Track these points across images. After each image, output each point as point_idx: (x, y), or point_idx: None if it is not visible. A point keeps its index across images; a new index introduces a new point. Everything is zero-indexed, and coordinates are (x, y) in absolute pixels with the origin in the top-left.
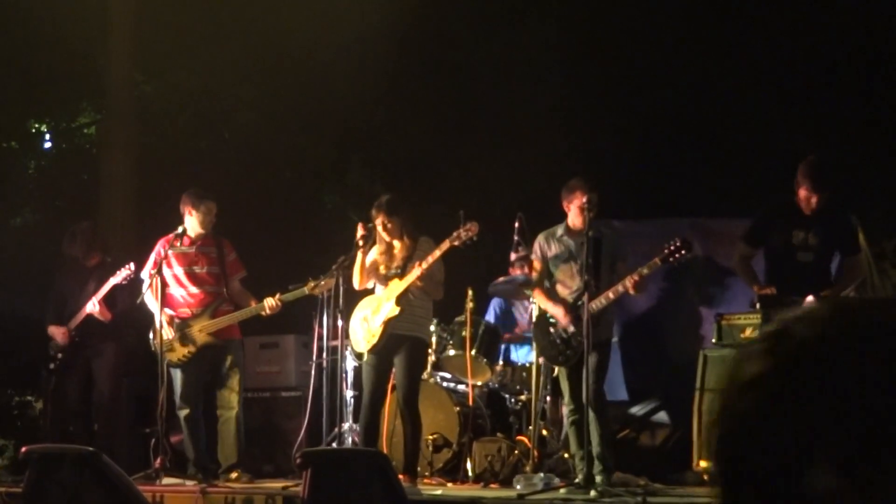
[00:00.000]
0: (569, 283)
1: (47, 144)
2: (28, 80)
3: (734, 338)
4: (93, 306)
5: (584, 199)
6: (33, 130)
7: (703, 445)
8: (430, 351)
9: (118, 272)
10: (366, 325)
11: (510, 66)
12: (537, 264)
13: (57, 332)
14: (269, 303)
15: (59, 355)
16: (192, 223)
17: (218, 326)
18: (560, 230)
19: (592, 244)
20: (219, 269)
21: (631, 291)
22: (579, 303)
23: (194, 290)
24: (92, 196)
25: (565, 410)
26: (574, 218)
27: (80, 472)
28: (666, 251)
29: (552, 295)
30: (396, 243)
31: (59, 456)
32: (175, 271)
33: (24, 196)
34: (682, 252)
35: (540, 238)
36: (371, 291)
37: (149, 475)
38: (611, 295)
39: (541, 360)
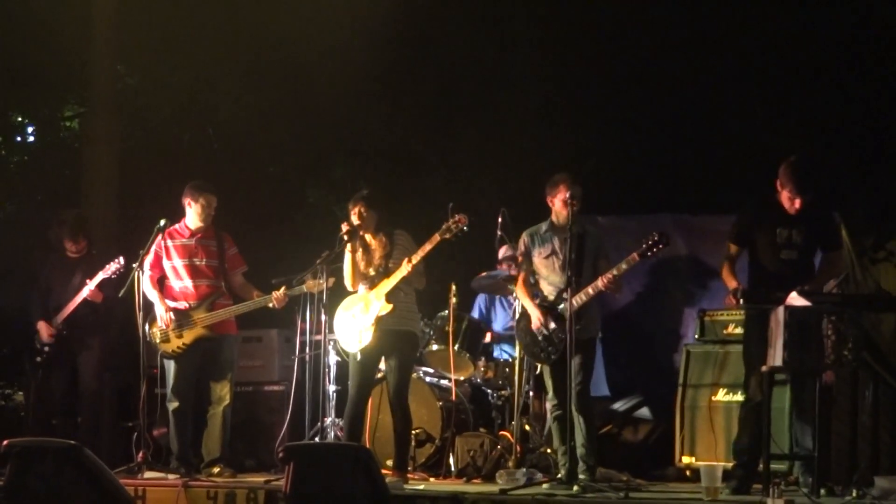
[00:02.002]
0: (552, 279)
1: (30, 139)
2: (10, 71)
3: (717, 333)
4: (87, 292)
5: (568, 194)
6: (17, 122)
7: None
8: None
9: (107, 266)
10: (354, 324)
11: (495, 62)
12: (521, 260)
13: (43, 329)
14: (277, 295)
15: (46, 348)
16: (192, 215)
17: (215, 320)
18: (544, 227)
19: (576, 241)
20: (218, 262)
21: (606, 288)
22: (563, 297)
23: (193, 282)
24: (74, 189)
25: (549, 406)
26: (558, 213)
27: (62, 466)
28: (644, 246)
29: (532, 293)
30: (371, 240)
31: (41, 450)
32: (174, 263)
33: (7, 190)
34: (660, 245)
35: (524, 236)
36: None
37: (131, 469)
38: (590, 291)
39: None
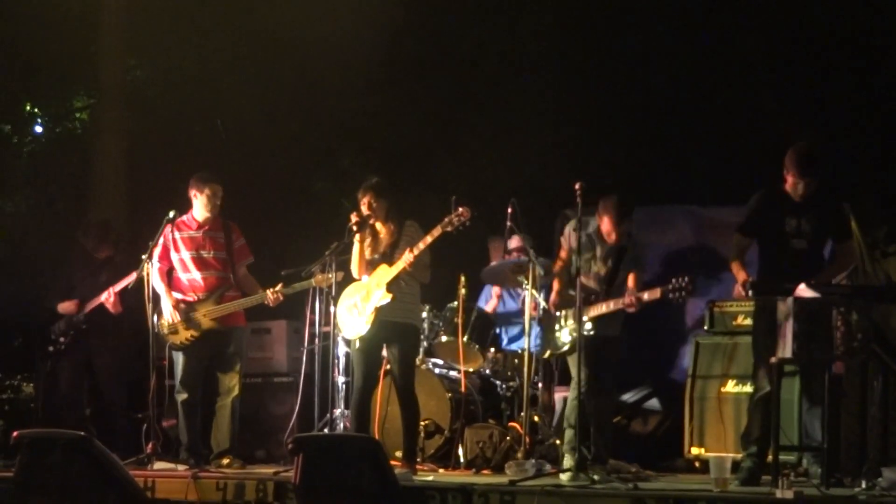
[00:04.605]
0: (584, 278)
1: (38, 129)
2: (21, 62)
3: (726, 325)
4: (108, 295)
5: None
6: (27, 110)
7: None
8: (421, 337)
9: (131, 274)
10: (355, 312)
11: (504, 53)
12: (563, 253)
13: (69, 305)
14: (270, 295)
15: (62, 339)
16: (199, 206)
17: (223, 312)
18: (592, 226)
19: (615, 253)
20: (226, 254)
21: (626, 307)
22: (590, 299)
23: (201, 274)
24: (83, 181)
25: (569, 395)
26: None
27: (72, 457)
28: (670, 286)
29: (565, 286)
30: (381, 228)
31: (51, 441)
32: (182, 255)
33: (17, 181)
34: (685, 293)
35: (569, 228)
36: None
37: (140, 460)
38: (612, 305)
39: (532, 348)
